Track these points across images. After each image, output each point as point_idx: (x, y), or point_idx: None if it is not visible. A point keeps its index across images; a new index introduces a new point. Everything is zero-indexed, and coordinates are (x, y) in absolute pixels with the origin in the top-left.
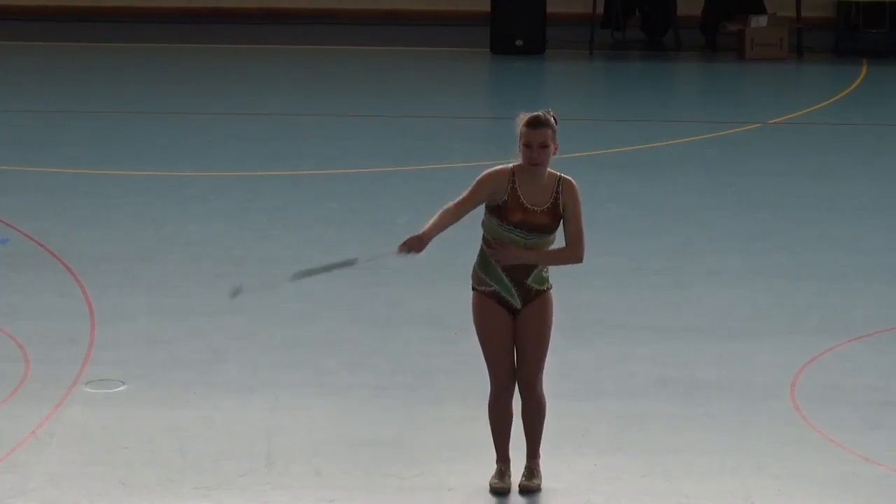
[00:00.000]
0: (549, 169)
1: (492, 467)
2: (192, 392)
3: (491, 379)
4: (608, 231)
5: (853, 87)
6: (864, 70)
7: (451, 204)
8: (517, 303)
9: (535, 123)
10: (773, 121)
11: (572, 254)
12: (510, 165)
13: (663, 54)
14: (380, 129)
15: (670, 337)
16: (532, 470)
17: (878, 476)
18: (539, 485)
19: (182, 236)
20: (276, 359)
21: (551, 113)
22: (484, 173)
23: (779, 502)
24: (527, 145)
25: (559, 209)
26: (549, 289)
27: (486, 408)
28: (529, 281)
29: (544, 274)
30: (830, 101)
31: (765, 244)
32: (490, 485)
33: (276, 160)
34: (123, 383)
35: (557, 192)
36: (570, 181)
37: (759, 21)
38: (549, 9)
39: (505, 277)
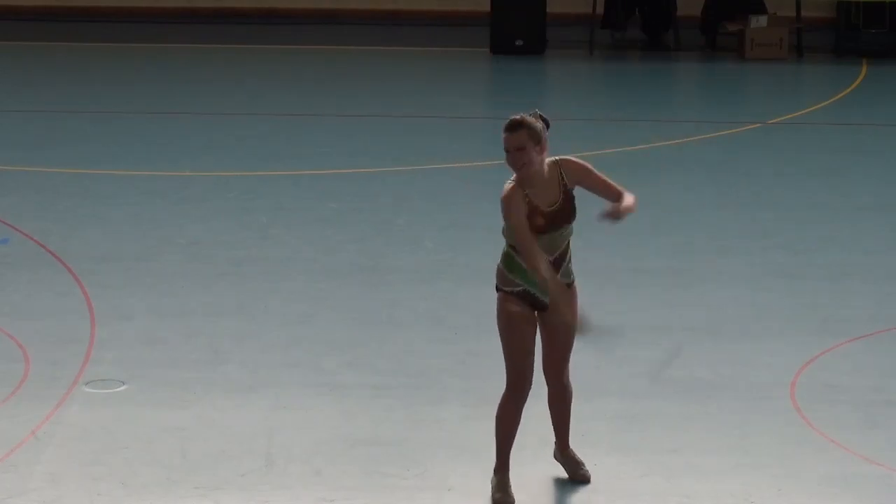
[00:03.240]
0: (546, 160)
1: (491, 466)
2: (192, 392)
3: (509, 381)
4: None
5: (853, 87)
6: (864, 70)
7: (526, 237)
8: (547, 298)
9: (510, 127)
10: (773, 121)
11: (625, 193)
12: (511, 182)
13: (663, 54)
14: (380, 129)
15: (670, 337)
16: (574, 459)
17: (878, 476)
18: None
19: (182, 236)
20: (276, 359)
21: (538, 113)
22: (508, 198)
23: (779, 502)
24: (505, 150)
25: (571, 192)
26: (574, 281)
27: (488, 408)
28: (559, 276)
29: (571, 267)
30: (830, 101)
31: (765, 244)
32: (495, 500)
33: (276, 160)
34: (123, 383)
35: (562, 179)
36: (568, 160)
37: (759, 21)
38: (549, 9)
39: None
